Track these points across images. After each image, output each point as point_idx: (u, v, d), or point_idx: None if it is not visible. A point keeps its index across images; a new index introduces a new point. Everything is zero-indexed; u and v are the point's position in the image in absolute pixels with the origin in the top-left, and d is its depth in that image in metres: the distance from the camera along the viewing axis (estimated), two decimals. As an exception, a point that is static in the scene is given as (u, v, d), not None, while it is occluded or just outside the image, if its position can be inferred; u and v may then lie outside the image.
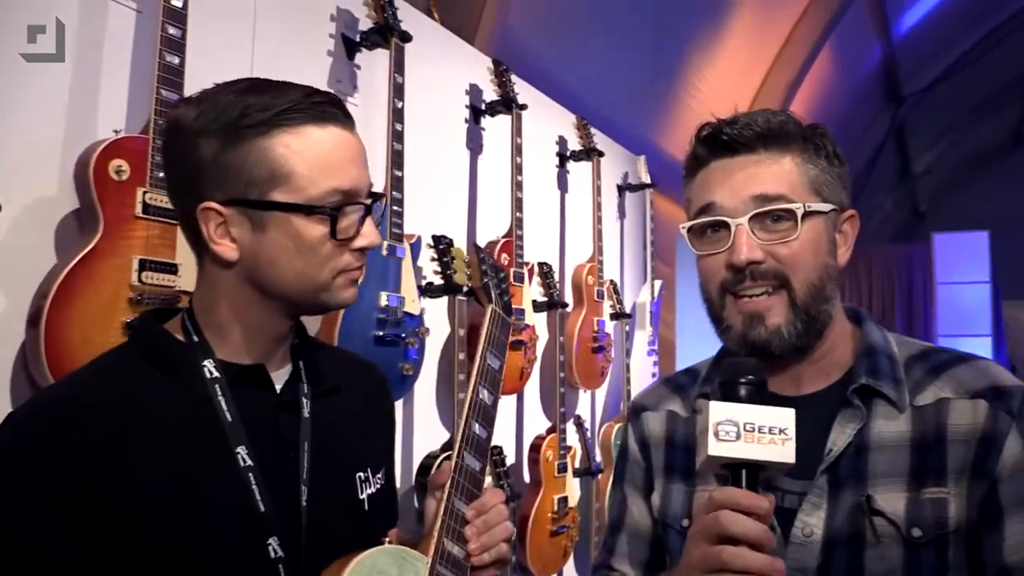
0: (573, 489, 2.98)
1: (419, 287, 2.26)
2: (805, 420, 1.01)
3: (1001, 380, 1.08)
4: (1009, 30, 7.71)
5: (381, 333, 2.07)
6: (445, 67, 2.68)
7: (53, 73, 1.54)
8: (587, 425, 3.38)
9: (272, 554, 0.99)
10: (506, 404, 2.89)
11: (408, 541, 1.15)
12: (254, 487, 0.99)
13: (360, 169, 1.03)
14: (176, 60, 1.55)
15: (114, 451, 0.93)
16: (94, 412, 0.94)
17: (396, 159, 2.13)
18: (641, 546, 1.28)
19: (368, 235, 1.04)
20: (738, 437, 0.93)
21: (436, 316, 2.41)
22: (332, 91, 1.11)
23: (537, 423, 3.09)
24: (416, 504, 2.30)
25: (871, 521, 1.05)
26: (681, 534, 1.19)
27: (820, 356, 1.14)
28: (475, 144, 2.81)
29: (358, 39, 2.24)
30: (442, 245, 2.31)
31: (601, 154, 3.46)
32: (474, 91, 2.81)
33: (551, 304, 2.99)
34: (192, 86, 1.54)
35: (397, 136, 2.14)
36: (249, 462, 1.00)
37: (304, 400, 1.08)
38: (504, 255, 2.69)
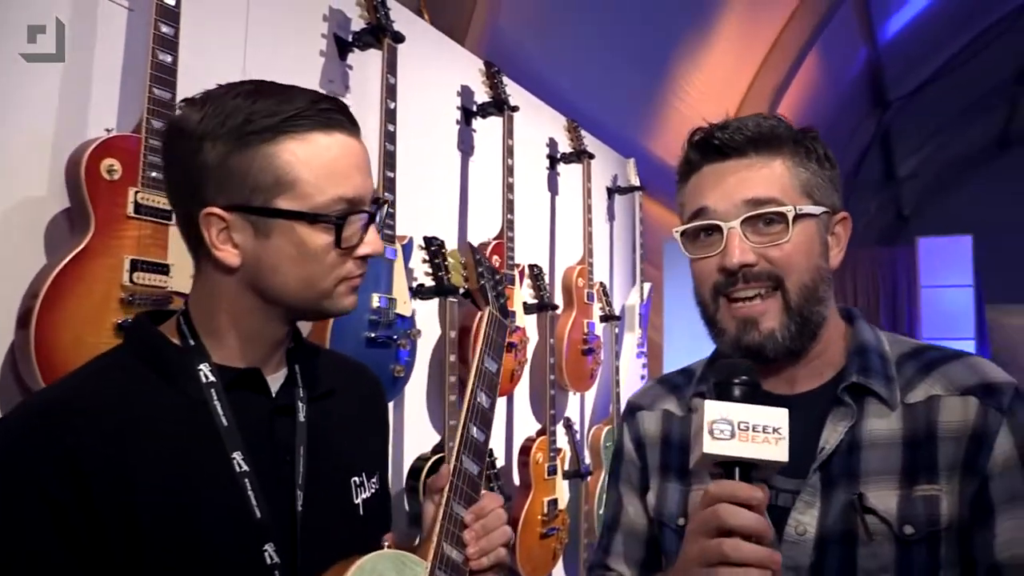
0: (563, 491, 2.98)
1: (410, 289, 2.25)
2: (798, 419, 1.03)
3: (992, 376, 1.09)
4: (994, 35, 7.78)
5: (373, 335, 2.06)
6: (437, 68, 2.68)
7: (44, 71, 1.52)
8: (576, 427, 3.38)
9: (268, 560, 0.99)
10: (496, 406, 2.88)
11: (400, 544, 1.14)
12: (250, 492, 0.98)
13: (365, 177, 1.02)
14: (169, 59, 1.54)
15: (111, 454, 0.92)
16: (90, 415, 0.93)
17: (388, 160, 2.12)
18: (637, 545, 1.28)
19: (371, 243, 1.03)
20: (732, 436, 0.94)
21: (426, 317, 2.40)
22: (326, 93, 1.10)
23: (527, 425, 3.09)
24: (407, 507, 2.29)
25: (863, 519, 1.06)
26: (677, 533, 1.19)
27: (814, 356, 1.15)
28: (466, 146, 2.81)
29: (350, 39, 2.23)
30: (433, 247, 2.31)
31: (591, 156, 3.47)
32: (466, 92, 2.81)
33: (541, 306, 2.99)
34: (184, 84, 1.53)
35: (389, 137, 2.13)
36: (245, 467, 0.99)
37: (299, 404, 1.08)
38: (495, 257, 2.68)
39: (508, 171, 2.74)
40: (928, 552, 1.05)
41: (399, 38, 2.20)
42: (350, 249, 1.01)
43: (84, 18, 1.58)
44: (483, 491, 1.17)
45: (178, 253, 1.53)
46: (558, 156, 3.42)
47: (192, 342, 1.02)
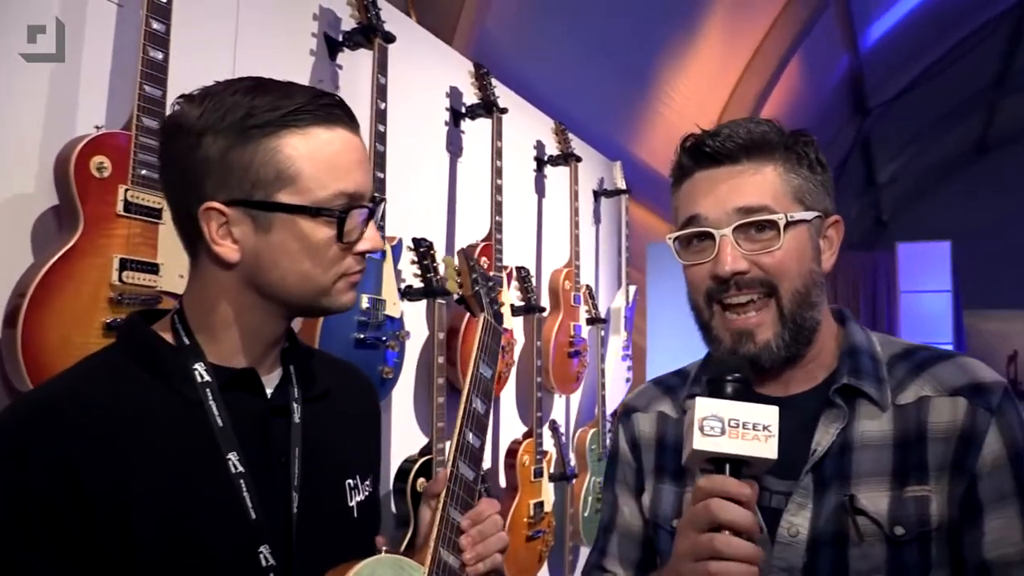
0: (548, 494, 2.97)
1: (399, 290, 2.24)
2: (791, 420, 1.03)
3: (981, 377, 1.10)
4: (972, 44, 7.88)
5: (362, 336, 2.05)
6: (426, 69, 2.67)
7: (32, 67, 1.50)
8: (562, 430, 3.38)
9: (263, 562, 0.98)
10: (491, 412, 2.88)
11: (389, 546, 1.14)
12: (245, 494, 0.98)
13: (365, 172, 1.02)
14: (160, 56, 1.52)
15: (104, 456, 0.91)
16: (83, 417, 0.92)
17: (378, 161, 2.11)
18: (632, 546, 1.29)
19: (371, 239, 1.03)
20: (722, 432, 0.95)
21: (412, 319, 2.39)
22: None
23: (513, 427, 3.09)
24: (393, 509, 2.27)
25: (854, 520, 1.07)
26: (671, 535, 1.19)
27: (808, 360, 1.16)
28: (455, 147, 2.80)
29: (341, 39, 2.22)
30: (422, 248, 2.30)
31: (579, 159, 3.47)
32: (454, 94, 2.80)
33: (528, 308, 2.99)
34: (174, 83, 1.51)
35: (380, 137, 2.12)
36: (240, 468, 0.98)
37: (295, 405, 1.07)
38: (483, 259, 2.68)
39: (497, 173, 2.74)
40: (919, 552, 1.06)
41: (390, 38, 2.19)
42: (350, 244, 1.00)
43: (74, 15, 1.56)
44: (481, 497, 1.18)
45: (168, 252, 1.51)
46: (545, 158, 3.42)
47: (187, 341, 1.00)
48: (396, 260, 2.23)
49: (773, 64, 6.10)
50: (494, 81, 2.82)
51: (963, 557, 1.07)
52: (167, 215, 1.50)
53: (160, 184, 1.03)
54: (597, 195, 3.98)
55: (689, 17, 5.09)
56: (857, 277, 8.22)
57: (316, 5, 2.19)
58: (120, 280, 1.45)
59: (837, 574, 1.07)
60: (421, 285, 2.29)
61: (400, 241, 2.25)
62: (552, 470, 3.08)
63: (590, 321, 3.51)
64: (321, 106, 0.98)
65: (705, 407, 0.96)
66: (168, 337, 1.01)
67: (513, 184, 3.05)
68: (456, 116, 2.80)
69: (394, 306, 2.16)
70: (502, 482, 2.92)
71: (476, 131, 2.85)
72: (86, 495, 0.88)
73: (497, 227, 2.71)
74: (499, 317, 1.34)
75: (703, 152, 1.13)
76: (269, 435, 1.03)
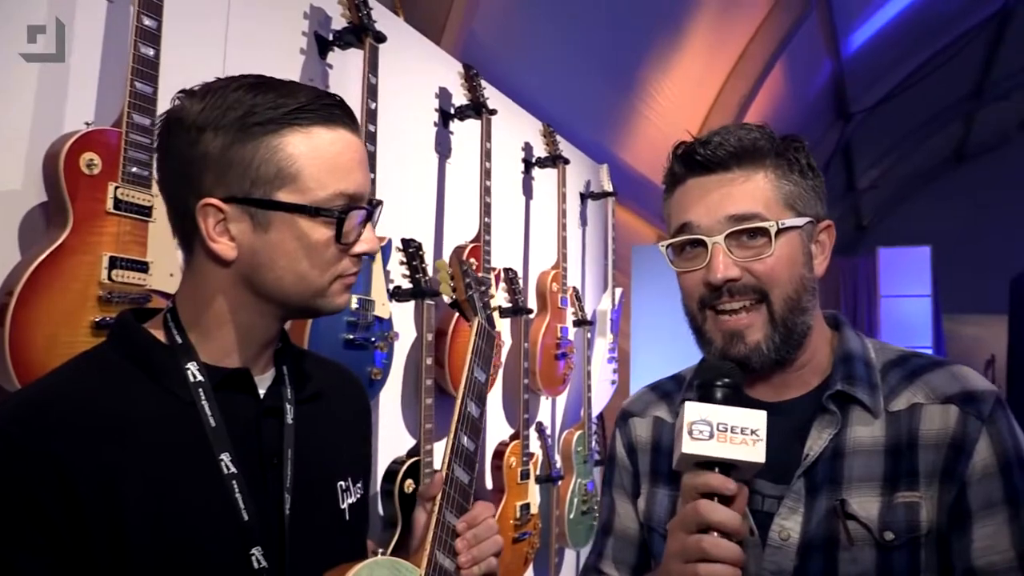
0: (535, 496, 2.97)
1: (388, 291, 2.23)
2: (785, 425, 1.04)
3: (973, 385, 1.11)
4: (953, 52, 7.96)
5: (351, 336, 2.04)
6: (415, 70, 2.66)
7: (20, 63, 1.48)
8: (548, 431, 3.38)
9: (256, 564, 0.97)
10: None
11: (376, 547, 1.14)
12: (237, 495, 0.97)
13: (364, 174, 1.02)
14: (151, 52, 1.50)
15: (95, 456, 0.89)
16: (74, 416, 0.91)
17: (369, 161, 2.09)
18: (628, 549, 1.30)
19: (368, 241, 1.03)
20: (711, 436, 0.97)
21: (400, 320, 2.38)
22: None
23: (500, 429, 3.08)
24: (380, 510, 2.26)
25: (845, 525, 1.08)
26: (665, 537, 1.20)
27: (801, 364, 1.17)
28: (443, 148, 2.79)
29: (331, 38, 2.21)
30: (411, 248, 2.29)
31: (567, 161, 3.47)
32: (443, 94, 2.79)
33: (516, 310, 2.98)
34: (165, 79, 1.50)
35: (370, 138, 2.11)
36: (232, 469, 0.97)
37: (287, 406, 1.06)
38: (472, 260, 2.67)
39: (486, 174, 2.74)
40: (908, 558, 1.07)
41: (381, 38, 2.18)
42: (348, 245, 1.00)
43: (64, 10, 1.54)
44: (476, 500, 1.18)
45: (158, 251, 1.50)
46: (533, 160, 3.42)
47: (179, 339, 0.99)
48: (385, 261, 2.22)
49: (757, 69, 6.13)
50: (483, 82, 2.81)
51: (952, 564, 1.08)
52: (157, 213, 1.49)
53: (157, 179, 1.02)
54: (584, 197, 3.99)
55: (675, 21, 5.11)
56: (837, 281, 8.27)
57: (307, 3, 2.17)
58: (109, 278, 1.44)
59: None
60: (410, 286, 2.28)
61: (389, 242, 2.25)
62: (538, 472, 3.08)
63: (577, 323, 3.51)
64: (323, 106, 0.98)
65: (694, 411, 0.98)
66: (160, 336, 1.00)
67: (500, 185, 3.05)
68: (445, 117, 2.79)
69: (383, 307, 2.15)
70: (488, 484, 2.92)
71: (465, 132, 2.85)
72: (76, 494, 0.87)
73: (486, 228, 2.70)
74: (492, 322, 1.34)
75: (694, 160, 1.14)
76: (262, 436, 1.02)
